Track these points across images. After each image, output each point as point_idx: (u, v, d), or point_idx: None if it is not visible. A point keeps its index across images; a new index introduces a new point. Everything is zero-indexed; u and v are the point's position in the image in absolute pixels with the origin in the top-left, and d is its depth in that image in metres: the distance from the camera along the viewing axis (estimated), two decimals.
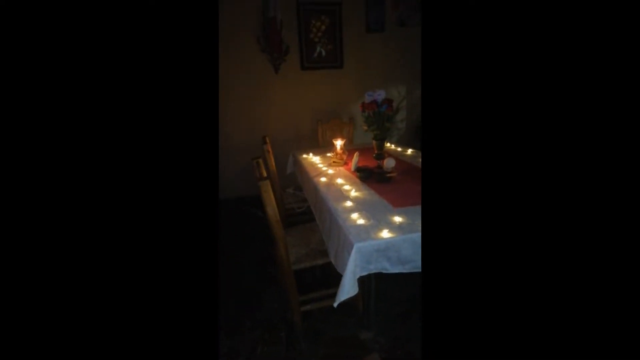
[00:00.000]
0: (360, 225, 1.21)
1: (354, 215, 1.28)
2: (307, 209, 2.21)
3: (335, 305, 1.12)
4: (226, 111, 3.07)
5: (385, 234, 1.13)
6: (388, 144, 2.47)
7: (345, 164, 2.02)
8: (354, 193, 1.53)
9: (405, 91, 3.50)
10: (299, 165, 2.26)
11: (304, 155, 2.31)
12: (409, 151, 2.33)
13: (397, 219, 1.24)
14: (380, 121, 1.86)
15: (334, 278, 1.29)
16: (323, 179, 1.77)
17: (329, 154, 2.25)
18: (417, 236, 1.13)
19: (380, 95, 1.84)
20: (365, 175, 1.72)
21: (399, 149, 2.40)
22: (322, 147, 2.66)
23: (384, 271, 1.14)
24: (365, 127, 1.94)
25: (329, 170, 1.94)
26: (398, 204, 1.37)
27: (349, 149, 2.26)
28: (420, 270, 1.13)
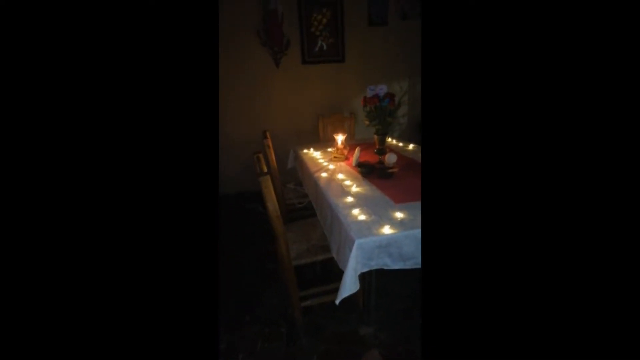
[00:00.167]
0: (361, 221, 1.20)
1: (355, 211, 1.27)
2: (308, 204, 2.20)
3: (337, 302, 1.11)
4: (226, 105, 3.05)
5: (387, 230, 1.12)
6: (390, 139, 2.45)
7: (347, 159, 2.01)
8: (355, 188, 1.52)
9: (407, 85, 3.47)
10: (299, 160, 2.24)
11: (305, 150, 2.29)
12: (411, 146, 2.31)
13: (399, 214, 1.23)
14: (382, 116, 1.84)
15: (334, 274, 1.29)
16: (324, 174, 1.75)
17: (330, 149, 2.23)
18: (419, 232, 1.12)
19: (382, 89, 1.82)
20: (367, 171, 1.71)
21: (401, 144, 2.38)
22: (323, 142, 2.64)
23: (385, 267, 1.13)
24: (367, 122, 1.92)
25: (330, 165, 1.92)
26: (399, 199, 1.36)
27: (350, 144, 2.25)
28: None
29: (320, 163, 1.98)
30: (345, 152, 2.04)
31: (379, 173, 1.68)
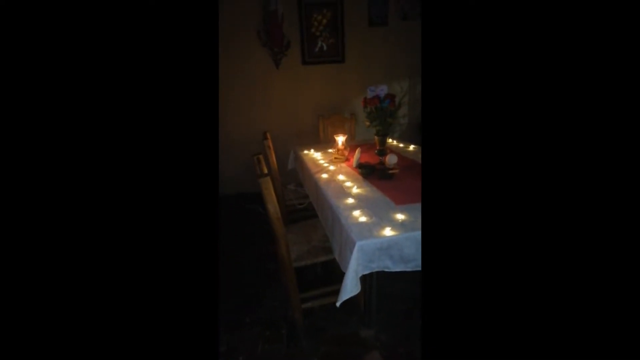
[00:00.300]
0: (362, 223, 1.19)
1: (356, 213, 1.26)
2: (308, 205, 2.19)
3: (338, 304, 1.10)
4: (226, 106, 3.04)
5: (388, 231, 1.12)
6: (390, 140, 2.45)
7: (347, 160, 2.00)
8: (355, 190, 1.51)
9: (407, 86, 3.46)
10: (300, 161, 2.24)
11: (305, 151, 2.29)
12: (412, 147, 2.31)
13: (400, 216, 1.22)
14: (382, 117, 1.84)
15: (335, 275, 1.28)
16: (324, 176, 1.75)
17: (330, 150, 2.23)
18: (420, 234, 1.12)
19: (382, 90, 1.81)
20: (367, 172, 1.70)
21: (401, 145, 2.38)
22: (323, 143, 2.64)
23: (386, 269, 1.13)
24: (367, 123, 1.91)
25: (331, 166, 1.92)
26: (400, 201, 1.35)
27: (350, 145, 2.24)
28: None
29: (320, 164, 1.98)
30: (346, 153, 2.03)
31: (380, 174, 1.67)
